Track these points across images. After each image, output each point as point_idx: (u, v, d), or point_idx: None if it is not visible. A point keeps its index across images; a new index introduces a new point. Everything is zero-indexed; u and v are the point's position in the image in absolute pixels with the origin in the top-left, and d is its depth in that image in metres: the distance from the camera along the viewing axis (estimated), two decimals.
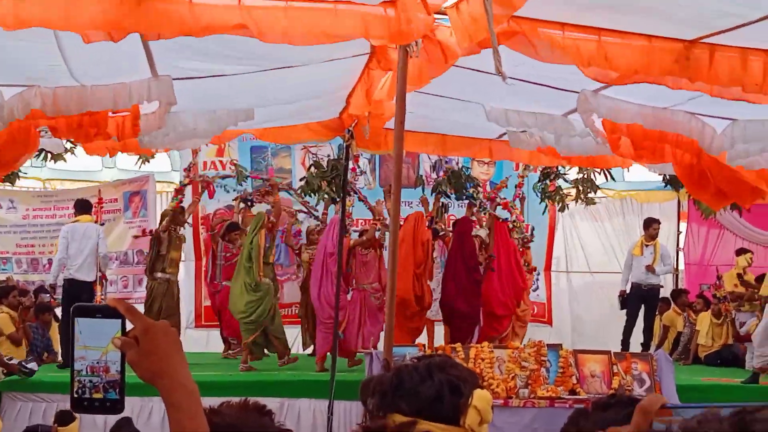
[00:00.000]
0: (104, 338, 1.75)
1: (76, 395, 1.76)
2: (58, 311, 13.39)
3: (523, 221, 14.17)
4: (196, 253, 15.03)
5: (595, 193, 13.80)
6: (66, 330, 11.65)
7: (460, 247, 12.24)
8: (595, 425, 2.18)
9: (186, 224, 12.94)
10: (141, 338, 1.73)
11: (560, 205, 14.06)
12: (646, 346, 13.37)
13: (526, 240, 13.92)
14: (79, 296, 11.29)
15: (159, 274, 11.97)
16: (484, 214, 13.15)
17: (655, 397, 1.49)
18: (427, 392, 2.32)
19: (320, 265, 11.49)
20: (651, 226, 13.40)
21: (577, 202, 13.95)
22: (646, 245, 13.31)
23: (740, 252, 14.54)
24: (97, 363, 1.76)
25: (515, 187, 14.16)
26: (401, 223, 12.55)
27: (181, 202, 13.23)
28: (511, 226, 13.37)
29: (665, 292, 14.36)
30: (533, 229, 14.91)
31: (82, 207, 12.27)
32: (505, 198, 13.74)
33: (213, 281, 13.08)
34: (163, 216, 12.55)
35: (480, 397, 2.34)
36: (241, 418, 2.30)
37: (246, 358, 11.36)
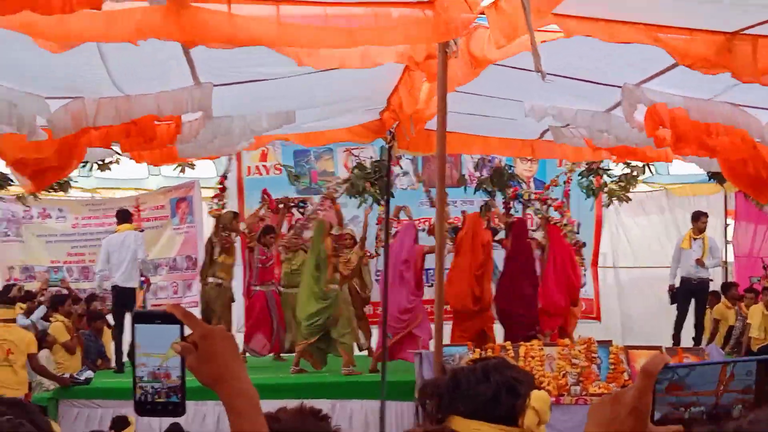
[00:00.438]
0: (164, 344, 1.80)
1: (139, 400, 1.81)
2: (110, 318, 13.64)
3: (574, 223, 14.11)
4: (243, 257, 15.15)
5: (636, 187, 13.66)
6: (119, 335, 11.86)
7: (517, 251, 12.22)
8: None
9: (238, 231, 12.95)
10: (200, 343, 1.77)
11: (607, 200, 13.96)
12: (697, 340, 13.26)
13: (579, 244, 13.89)
14: (124, 302, 11.70)
15: (210, 279, 12.10)
16: (539, 215, 13.11)
17: (657, 357, 1.47)
18: (484, 394, 2.34)
19: (393, 271, 11.56)
20: (699, 219, 13.28)
21: (615, 199, 13.81)
22: (695, 239, 13.20)
23: None
24: (158, 369, 1.81)
25: (564, 183, 14.07)
26: (459, 224, 12.63)
27: (223, 207, 13.35)
28: (563, 230, 13.35)
29: (714, 286, 14.20)
30: (579, 225, 14.87)
31: (122, 217, 12.86)
32: (557, 199, 13.66)
33: (249, 286, 13.16)
34: (217, 221, 12.64)
35: (538, 398, 2.36)
36: (299, 423, 2.33)
37: (297, 360, 11.43)
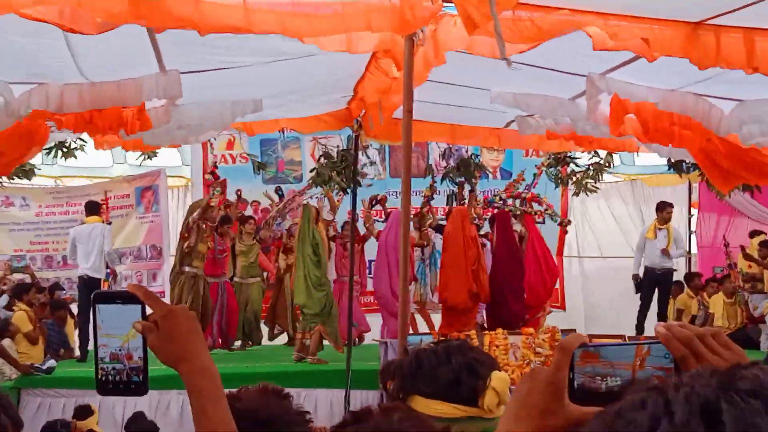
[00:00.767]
0: (125, 325, 1.79)
1: (101, 380, 1.81)
2: (73, 307, 13.56)
3: (553, 206, 14.25)
4: None
5: (602, 177, 13.76)
6: (84, 325, 11.79)
7: (504, 243, 12.25)
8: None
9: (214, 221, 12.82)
10: (161, 322, 1.76)
11: (575, 189, 14.05)
12: None
13: (566, 223, 14.13)
14: (91, 293, 11.57)
15: (186, 268, 12.00)
16: (517, 211, 13.18)
17: (575, 336, 1.48)
18: (446, 374, 2.36)
19: (384, 258, 11.73)
20: (664, 209, 13.39)
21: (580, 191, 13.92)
22: (660, 228, 13.31)
23: (754, 234, 14.53)
24: (120, 350, 1.80)
25: (534, 176, 14.11)
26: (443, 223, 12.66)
27: (223, 195, 13.24)
28: (544, 216, 13.56)
29: (678, 276, 14.34)
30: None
31: (90, 208, 12.80)
32: (528, 191, 13.75)
33: None
34: (192, 209, 12.52)
35: (498, 379, 2.37)
36: (262, 402, 2.35)
37: (301, 347, 11.36)
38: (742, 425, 0.79)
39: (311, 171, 12.42)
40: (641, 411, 0.85)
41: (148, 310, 1.80)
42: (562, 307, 16.09)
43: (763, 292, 13.36)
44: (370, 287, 13.77)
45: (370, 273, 13.40)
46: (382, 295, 12.04)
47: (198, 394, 1.75)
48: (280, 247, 13.48)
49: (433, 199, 13.28)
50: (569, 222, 14.52)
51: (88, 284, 11.84)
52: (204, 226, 12.08)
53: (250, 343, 13.26)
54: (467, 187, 13.03)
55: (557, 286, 15.82)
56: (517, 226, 12.84)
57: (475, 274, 11.68)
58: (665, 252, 13.23)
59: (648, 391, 0.87)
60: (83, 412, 8.52)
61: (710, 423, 0.80)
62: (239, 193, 13.77)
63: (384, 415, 1.85)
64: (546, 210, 13.70)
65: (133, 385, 1.80)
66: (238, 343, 13.16)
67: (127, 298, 1.80)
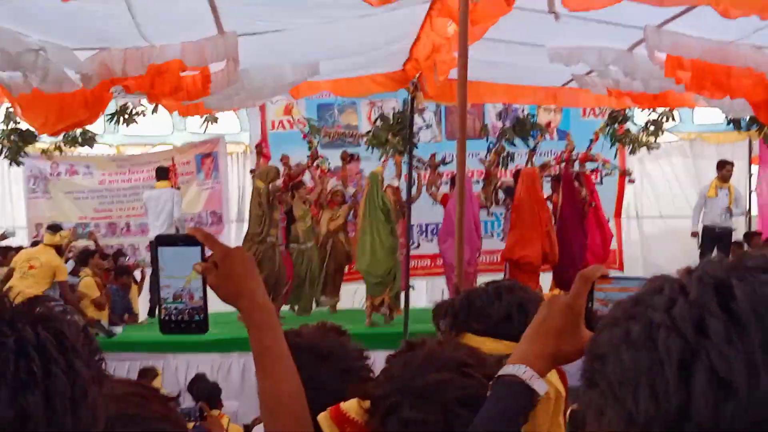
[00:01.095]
0: (186, 266, 1.89)
1: (164, 320, 1.92)
2: (137, 274, 13.85)
3: (609, 160, 14.18)
4: None
5: (662, 134, 13.63)
6: (155, 287, 11.98)
7: (570, 206, 12.32)
8: None
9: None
10: (219, 263, 1.86)
11: (630, 147, 13.94)
12: None
13: (629, 173, 14.13)
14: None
15: (268, 238, 11.80)
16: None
17: (596, 267, 1.57)
18: (497, 312, 2.40)
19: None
20: (725, 167, 13.24)
21: (642, 147, 13.81)
22: (720, 187, 13.18)
23: None
24: (182, 291, 1.91)
25: (590, 141, 14.01)
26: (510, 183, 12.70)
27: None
28: (601, 173, 13.53)
29: (736, 236, 14.18)
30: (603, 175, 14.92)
31: (159, 174, 13.29)
32: (578, 152, 13.68)
33: None
34: (266, 176, 12.12)
35: None
36: (321, 337, 2.44)
37: (370, 313, 11.46)
38: (752, 296, 0.85)
39: (367, 133, 12.47)
40: (658, 295, 0.92)
41: (207, 252, 1.89)
42: (620, 268, 15.98)
43: None
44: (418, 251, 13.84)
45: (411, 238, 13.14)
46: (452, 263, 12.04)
47: (257, 327, 1.85)
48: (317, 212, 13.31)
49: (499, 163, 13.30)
50: (630, 172, 14.43)
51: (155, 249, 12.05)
52: (278, 194, 11.98)
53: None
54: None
55: (614, 247, 15.80)
56: (582, 189, 12.82)
57: (548, 235, 11.85)
58: (728, 210, 13.13)
59: (664, 280, 0.94)
60: (147, 373, 8.75)
61: (722, 297, 0.86)
62: (285, 160, 13.76)
63: (438, 344, 1.92)
64: (604, 165, 13.62)
65: (194, 324, 1.91)
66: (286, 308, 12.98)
67: (187, 240, 1.89)
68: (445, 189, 12.80)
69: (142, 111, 11.85)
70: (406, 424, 1.76)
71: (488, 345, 2.34)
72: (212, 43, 6.66)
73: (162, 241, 1.94)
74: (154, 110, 10.39)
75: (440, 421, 1.74)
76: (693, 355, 0.85)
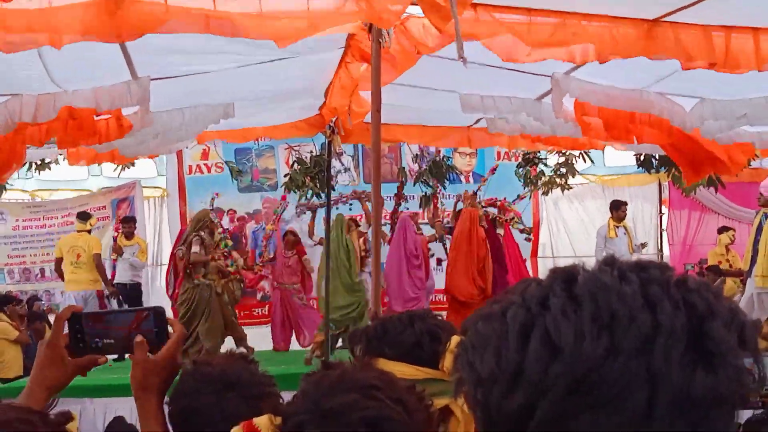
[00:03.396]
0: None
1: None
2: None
3: (520, 215, 14.53)
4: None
5: (573, 177, 13.95)
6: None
7: (493, 245, 12.57)
8: None
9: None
10: (162, 355, 2.09)
11: (543, 189, 14.24)
12: None
13: (527, 230, 14.50)
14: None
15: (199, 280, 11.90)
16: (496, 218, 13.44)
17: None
18: (409, 339, 2.52)
19: (400, 263, 12.39)
20: (620, 207, 13.62)
21: (556, 188, 14.12)
22: (617, 227, 13.52)
23: (722, 230, 14.75)
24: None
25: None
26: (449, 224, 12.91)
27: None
28: (513, 223, 13.83)
29: None
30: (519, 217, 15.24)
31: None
32: (500, 200, 14.02)
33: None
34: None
35: (457, 343, 2.49)
36: (229, 366, 2.49)
37: (315, 350, 11.49)
38: (590, 280, 1.00)
39: (285, 176, 12.52)
40: (522, 284, 1.08)
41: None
42: None
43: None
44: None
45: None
46: (404, 301, 12.37)
47: (146, 417, 2.11)
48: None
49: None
50: (530, 230, 14.95)
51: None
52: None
53: None
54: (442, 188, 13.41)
55: None
56: (500, 230, 13.07)
57: (481, 272, 12.16)
58: (641, 246, 13.50)
59: (533, 278, 1.13)
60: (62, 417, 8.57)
61: (567, 282, 1.01)
62: (213, 200, 13.80)
63: (352, 366, 1.99)
64: (513, 218, 13.97)
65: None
66: None
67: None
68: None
69: (56, 159, 11.74)
70: None
71: (399, 369, 2.43)
72: (125, 88, 6.64)
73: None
74: (70, 161, 10.24)
75: None
76: (532, 323, 0.99)
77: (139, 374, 2.06)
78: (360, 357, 2.53)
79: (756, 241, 10.74)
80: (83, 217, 13.40)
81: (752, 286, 10.80)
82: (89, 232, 13.21)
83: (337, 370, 1.92)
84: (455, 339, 2.50)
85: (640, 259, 1.05)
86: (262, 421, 1.95)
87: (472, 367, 1.03)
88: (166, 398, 2.21)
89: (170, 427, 2.26)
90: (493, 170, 14.41)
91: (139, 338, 2.04)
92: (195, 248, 11.68)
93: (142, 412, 2.08)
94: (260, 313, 14.94)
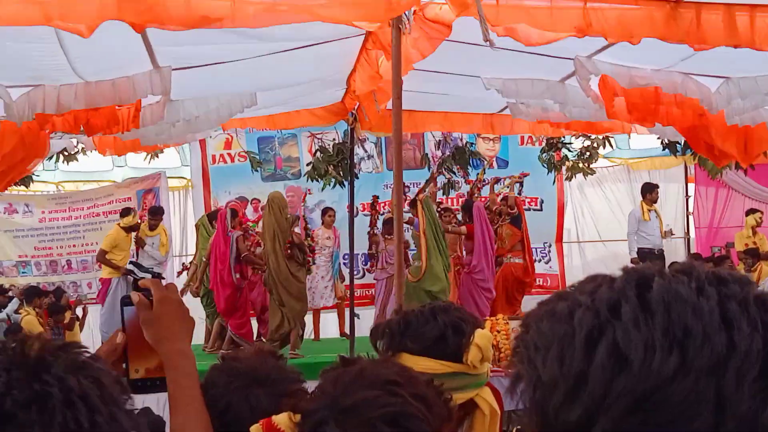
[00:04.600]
0: None
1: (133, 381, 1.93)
2: (79, 311, 13.70)
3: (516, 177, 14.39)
4: None
5: (596, 161, 13.85)
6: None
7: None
8: None
9: None
10: (155, 304, 1.93)
11: (567, 175, 14.16)
12: None
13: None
14: None
15: None
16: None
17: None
18: (432, 332, 2.47)
19: (487, 250, 12.16)
20: (653, 191, 13.54)
21: (579, 172, 13.99)
22: (650, 210, 13.46)
23: (749, 212, 14.61)
24: None
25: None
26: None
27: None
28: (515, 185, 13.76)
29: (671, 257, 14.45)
30: (542, 201, 15.14)
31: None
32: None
33: None
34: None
35: (481, 336, 2.47)
36: (258, 361, 2.47)
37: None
38: (666, 289, 0.95)
39: (308, 165, 12.51)
40: (590, 283, 1.03)
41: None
42: None
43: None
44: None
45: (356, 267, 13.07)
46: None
47: (176, 370, 1.92)
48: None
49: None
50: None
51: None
52: None
53: None
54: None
55: (557, 271, 16.05)
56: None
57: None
58: (668, 233, 13.44)
59: (600, 275, 1.05)
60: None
61: (641, 288, 0.96)
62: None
63: (370, 362, 1.97)
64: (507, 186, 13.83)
65: (159, 381, 1.94)
66: None
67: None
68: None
69: (82, 149, 11.77)
70: None
71: (423, 364, 2.40)
72: (147, 78, 6.65)
73: (125, 301, 1.98)
74: (99, 150, 10.27)
75: None
76: (601, 330, 0.94)
77: (154, 322, 1.93)
78: (382, 352, 2.49)
79: None
80: (125, 211, 13.69)
81: None
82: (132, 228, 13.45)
83: (356, 365, 1.91)
84: (479, 333, 2.47)
85: (720, 270, 0.99)
86: (281, 418, 1.93)
87: (533, 366, 0.99)
88: None
89: None
90: (524, 175, 14.28)
91: (136, 297, 1.93)
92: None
93: (169, 366, 1.93)
94: None
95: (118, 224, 13.28)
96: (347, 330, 11.36)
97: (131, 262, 12.94)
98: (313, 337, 13.17)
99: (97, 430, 1.09)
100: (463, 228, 12.37)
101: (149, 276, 12.41)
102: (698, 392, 0.89)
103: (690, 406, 0.89)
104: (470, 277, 12.10)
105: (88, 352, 1.21)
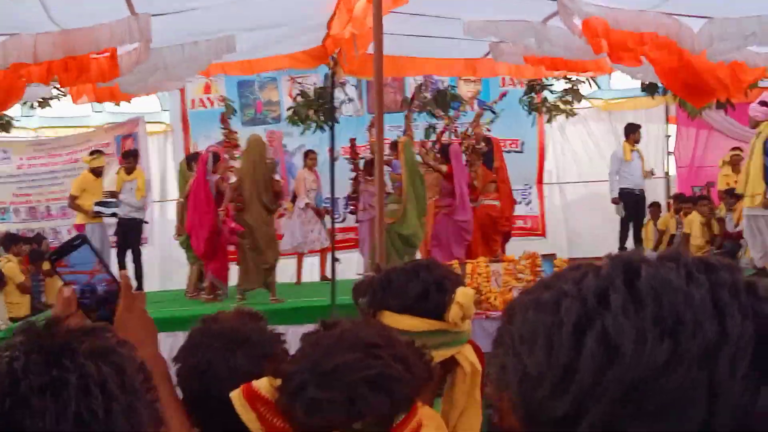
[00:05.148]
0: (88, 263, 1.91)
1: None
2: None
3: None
4: None
5: (580, 102, 13.82)
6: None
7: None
8: None
9: None
10: (121, 311, 1.88)
11: (548, 116, 14.12)
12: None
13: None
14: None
15: None
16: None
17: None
18: (414, 290, 2.44)
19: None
20: (636, 131, 13.53)
21: (560, 113, 13.94)
22: (632, 150, 13.46)
23: (733, 150, 14.62)
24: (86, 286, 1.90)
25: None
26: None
27: None
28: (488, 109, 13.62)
29: (649, 196, 14.51)
30: (523, 143, 15.13)
31: None
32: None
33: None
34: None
35: (463, 294, 2.45)
36: (238, 323, 2.45)
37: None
38: (655, 277, 0.93)
39: (288, 110, 12.43)
40: (575, 271, 1.00)
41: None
42: (543, 234, 16.29)
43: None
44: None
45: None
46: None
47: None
48: None
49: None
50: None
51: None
52: None
53: None
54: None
55: (537, 213, 16.11)
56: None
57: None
58: (648, 173, 13.47)
59: (586, 262, 1.02)
60: None
61: (629, 276, 0.94)
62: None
63: (351, 324, 1.96)
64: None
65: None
66: None
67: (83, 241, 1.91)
68: None
69: (58, 95, 11.63)
70: (311, 403, 1.80)
71: (405, 322, 2.39)
72: (125, 25, 6.56)
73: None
74: (73, 98, 10.14)
75: (344, 401, 1.78)
76: (589, 320, 0.92)
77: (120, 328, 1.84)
78: (364, 309, 2.48)
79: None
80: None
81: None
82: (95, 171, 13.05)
83: (336, 329, 1.90)
84: (461, 290, 2.46)
85: (706, 257, 0.98)
86: (261, 383, 1.94)
87: (519, 358, 0.97)
88: (173, 354, 2.18)
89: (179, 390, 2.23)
90: (502, 96, 14.06)
91: (67, 291, 1.82)
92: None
93: None
94: None
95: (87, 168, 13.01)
96: (328, 273, 11.37)
97: (96, 203, 12.62)
98: (295, 280, 13.17)
99: (113, 419, 1.08)
100: (444, 167, 12.25)
101: (115, 211, 12.44)
102: (691, 381, 0.88)
103: (683, 394, 0.88)
104: (451, 219, 12.03)
105: (117, 338, 1.19)
